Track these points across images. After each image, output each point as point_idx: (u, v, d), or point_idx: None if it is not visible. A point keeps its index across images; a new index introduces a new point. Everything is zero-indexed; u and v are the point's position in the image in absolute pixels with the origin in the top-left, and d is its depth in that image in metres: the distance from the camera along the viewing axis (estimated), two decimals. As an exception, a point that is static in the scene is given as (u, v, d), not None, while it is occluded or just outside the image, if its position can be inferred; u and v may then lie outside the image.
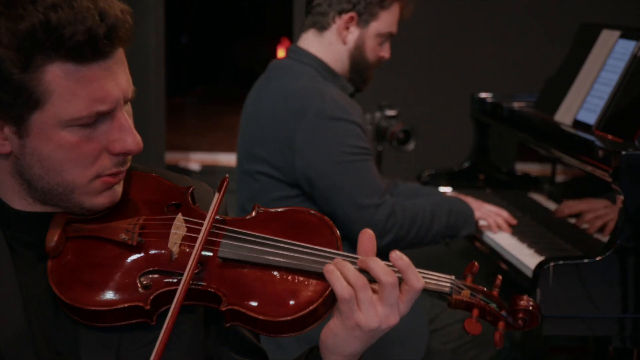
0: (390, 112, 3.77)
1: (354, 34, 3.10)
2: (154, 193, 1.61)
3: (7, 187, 1.53)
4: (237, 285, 1.50)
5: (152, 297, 1.47)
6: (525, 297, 1.55)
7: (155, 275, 1.50)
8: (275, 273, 1.52)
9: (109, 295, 1.48)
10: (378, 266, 1.48)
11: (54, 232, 1.50)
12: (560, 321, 2.66)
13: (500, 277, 1.58)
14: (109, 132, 1.49)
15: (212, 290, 1.50)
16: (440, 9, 5.03)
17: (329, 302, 1.51)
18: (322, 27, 3.11)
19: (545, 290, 2.63)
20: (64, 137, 1.45)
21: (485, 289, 1.55)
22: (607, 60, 3.08)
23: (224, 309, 1.48)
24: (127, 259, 1.51)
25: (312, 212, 1.61)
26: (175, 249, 1.52)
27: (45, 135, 1.45)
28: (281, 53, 3.28)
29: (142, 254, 1.52)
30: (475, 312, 1.53)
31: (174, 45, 8.81)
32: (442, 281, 1.53)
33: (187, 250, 1.51)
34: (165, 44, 5.70)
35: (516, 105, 3.53)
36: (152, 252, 1.52)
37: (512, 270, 2.91)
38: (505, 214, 3.22)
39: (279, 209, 1.62)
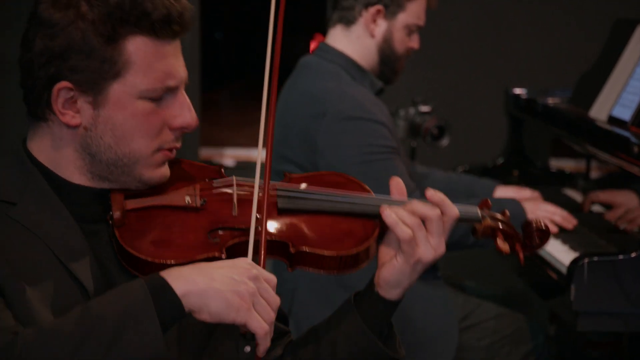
0: (424, 108, 3.77)
1: (381, 26, 3.09)
2: (190, 172, 1.74)
3: (68, 162, 1.61)
4: (298, 231, 1.67)
5: (225, 247, 1.60)
6: (533, 219, 1.81)
7: (222, 232, 1.64)
8: (329, 217, 1.70)
9: (185, 250, 1.59)
10: (420, 205, 1.67)
11: (117, 203, 1.61)
12: (594, 317, 2.66)
13: (507, 211, 1.83)
14: (172, 107, 1.61)
15: (276, 238, 1.65)
16: (475, 4, 5.02)
17: (377, 241, 1.71)
18: (348, 22, 3.10)
19: (579, 286, 2.62)
20: (137, 106, 1.57)
21: (502, 217, 1.80)
22: (643, 55, 3.07)
23: (293, 251, 1.63)
24: (192, 220, 1.64)
25: (339, 173, 1.84)
26: (235, 207, 1.66)
27: (122, 104, 1.57)
28: (312, 48, 3.28)
29: (205, 214, 1.65)
30: (500, 235, 1.77)
31: (209, 40, 8.84)
32: (471, 210, 1.77)
33: (246, 207, 1.64)
34: (200, 40, 5.72)
35: (551, 100, 3.52)
36: (215, 211, 1.66)
37: (546, 266, 2.91)
38: (562, 214, 3.11)
39: (306, 174, 1.82)
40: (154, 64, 1.57)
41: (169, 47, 1.59)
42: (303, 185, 1.76)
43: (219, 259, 1.58)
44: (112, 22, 1.53)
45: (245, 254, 1.59)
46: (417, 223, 1.65)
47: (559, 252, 2.91)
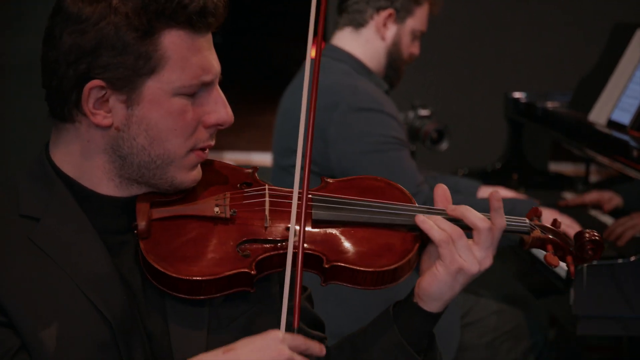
0: (424, 112, 3.77)
1: (391, 30, 3.12)
2: (222, 175, 1.66)
3: (95, 167, 1.54)
4: (334, 244, 1.58)
5: (255, 262, 1.52)
6: (587, 230, 1.70)
7: (252, 245, 1.56)
8: (367, 229, 1.61)
9: (212, 265, 1.52)
10: (472, 214, 1.58)
11: (143, 214, 1.53)
12: (594, 321, 2.66)
13: (559, 220, 1.73)
14: (206, 104, 1.54)
15: (310, 252, 1.56)
16: (474, 8, 5.02)
17: (418, 254, 1.61)
18: (359, 25, 3.13)
19: (579, 290, 2.62)
20: (173, 104, 1.50)
21: (553, 227, 1.71)
22: (642, 59, 3.07)
23: (327, 266, 1.54)
24: (221, 231, 1.56)
25: (378, 178, 1.72)
26: (267, 218, 1.57)
27: (157, 102, 1.49)
28: (313, 52, 3.29)
29: (235, 226, 1.57)
30: (550, 247, 1.68)
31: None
32: (520, 221, 1.68)
33: (278, 218, 1.58)
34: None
35: (550, 104, 3.52)
36: (245, 223, 1.57)
37: (545, 270, 2.91)
38: (576, 227, 3.03)
39: (345, 178, 1.71)
40: (190, 58, 1.49)
41: (204, 40, 1.51)
42: (337, 194, 1.65)
43: (248, 274, 1.51)
44: (148, 15, 1.45)
45: (274, 267, 1.55)
46: (458, 232, 1.57)
47: (559, 256, 2.91)
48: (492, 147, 4.11)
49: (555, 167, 3.73)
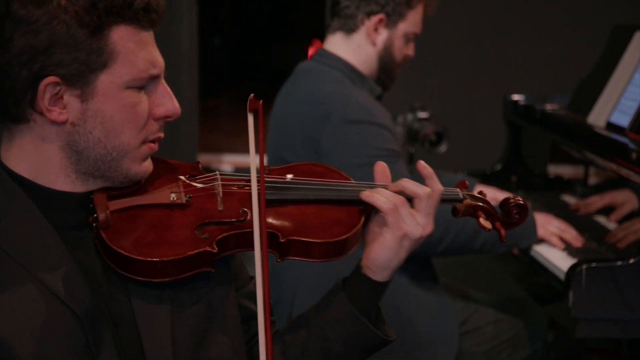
0: (423, 114, 3.77)
1: (382, 35, 3.10)
2: (170, 168, 1.75)
3: (52, 165, 1.60)
4: (287, 221, 1.69)
5: (214, 242, 1.62)
6: (512, 195, 1.84)
7: (210, 227, 1.65)
8: (316, 206, 1.73)
9: (175, 247, 1.60)
10: (411, 184, 1.72)
11: (101, 205, 1.60)
12: (593, 323, 2.66)
13: (484, 191, 1.86)
14: (154, 97, 1.63)
15: (267, 230, 1.64)
16: (473, 10, 5.02)
17: (364, 227, 1.73)
18: (350, 30, 3.11)
19: (578, 292, 2.62)
20: (125, 97, 1.58)
21: (480, 196, 1.84)
22: (641, 62, 3.07)
23: (283, 240, 1.65)
24: (179, 216, 1.65)
25: (317, 163, 1.86)
26: (219, 201, 1.67)
27: (110, 95, 1.56)
28: (311, 54, 3.30)
29: (192, 210, 1.66)
30: (481, 214, 1.82)
31: (208, 46, 8.85)
32: (453, 191, 1.82)
33: (231, 201, 1.68)
34: (199, 46, 5.72)
35: (549, 107, 3.52)
36: (201, 207, 1.67)
37: (544, 272, 2.91)
38: (572, 232, 3.10)
39: (285, 166, 1.83)
40: (138, 52, 1.57)
41: (148, 35, 1.60)
42: (289, 176, 1.78)
43: (211, 253, 1.60)
44: (97, 12, 1.52)
45: (232, 248, 1.65)
46: (401, 200, 1.69)
47: (558, 259, 2.91)
48: (491, 150, 4.11)
49: (554, 169, 3.73)
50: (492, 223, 1.82)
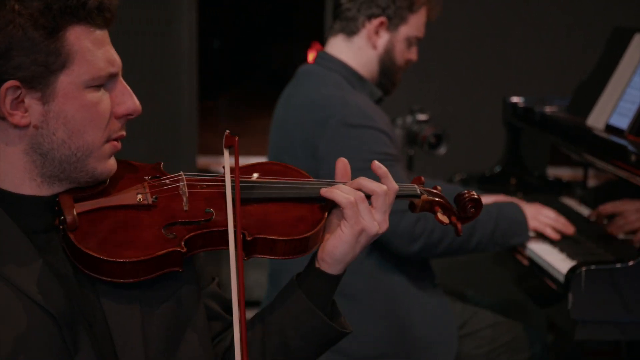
0: (422, 117, 3.77)
1: (383, 38, 3.10)
2: (133, 169, 1.76)
3: (16, 169, 1.60)
4: (252, 220, 1.71)
5: (182, 241, 1.63)
6: (466, 190, 1.87)
7: (177, 227, 1.66)
8: (278, 204, 1.75)
9: (144, 247, 1.61)
10: (368, 182, 1.74)
11: (68, 207, 1.60)
12: (592, 326, 2.66)
13: (439, 187, 1.89)
14: (114, 96, 1.64)
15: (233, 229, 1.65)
16: (472, 13, 5.02)
17: (325, 226, 1.76)
18: (351, 32, 3.11)
19: (577, 295, 2.62)
20: (86, 97, 1.58)
21: (436, 192, 1.87)
22: (640, 64, 3.07)
23: (249, 239, 1.67)
24: (146, 217, 1.66)
25: (276, 162, 1.88)
26: (185, 202, 1.68)
27: (71, 96, 1.57)
28: (311, 57, 3.30)
29: (158, 211, 1.67)
30: (437, 209, 1.84)
31: (207, 49, 8.85)
32: (410, 187, 1.85)
33: (197, 201, 1.69)
34: (198, 48, 5.72)
35: (548, 109, 3.52)
36: (166, 207, 1.68)
37: (543, 274, 2.91)
38: (562, 221, 3.15)
39: (245, 165, 1.83)
40: (95, 50, 1.58)
41: (104, 34, 1.61)
42: (255, 175, 1.79)
43: (179, 252, 1.62)
44: (52, 14, 1.53)
45: (200, 247, 1.67)
46: (360, 196, 1.71)
47: (557, 261, 2.91)
48: (491, 152, 4.11)
49: (553, 171, 3.72)
50: (449, 218, 1.85)
